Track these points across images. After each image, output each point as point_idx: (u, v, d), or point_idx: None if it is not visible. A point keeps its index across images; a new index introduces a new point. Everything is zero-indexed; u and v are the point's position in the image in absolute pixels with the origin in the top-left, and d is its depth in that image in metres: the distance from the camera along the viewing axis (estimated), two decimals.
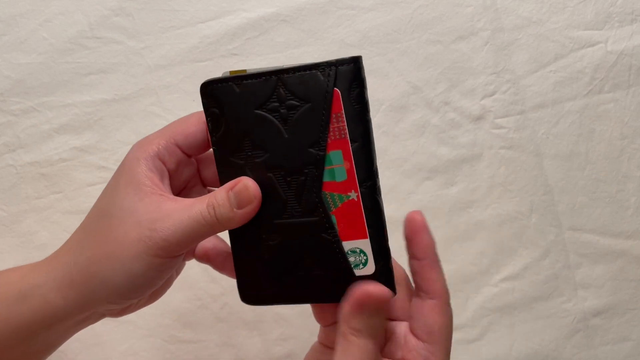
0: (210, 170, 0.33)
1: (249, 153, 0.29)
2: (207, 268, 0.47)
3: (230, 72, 0.30)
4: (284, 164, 0.29)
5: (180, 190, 0.33)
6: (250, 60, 0.49)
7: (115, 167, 0.47)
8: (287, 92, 0.28)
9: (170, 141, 0.30)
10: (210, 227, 0.28)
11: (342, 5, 0.50)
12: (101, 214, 0.29)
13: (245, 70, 0.29)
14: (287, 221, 0.29)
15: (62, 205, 0.46)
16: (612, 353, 0.51)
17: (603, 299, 0.51)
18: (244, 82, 0.29)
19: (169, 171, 0.31)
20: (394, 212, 0.49)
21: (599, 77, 0.52)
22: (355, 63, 0.29)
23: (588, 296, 0.51)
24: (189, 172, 0.33)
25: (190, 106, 0.48)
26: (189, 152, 0.31)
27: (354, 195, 0.30)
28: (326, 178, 0.29)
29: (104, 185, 0.47)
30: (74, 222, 0.45)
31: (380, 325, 0.29)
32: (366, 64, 0.50)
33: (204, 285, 0.47)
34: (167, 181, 0.30)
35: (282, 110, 0.29)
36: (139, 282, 0.28)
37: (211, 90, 0.30)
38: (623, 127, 0.52)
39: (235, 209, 0.28)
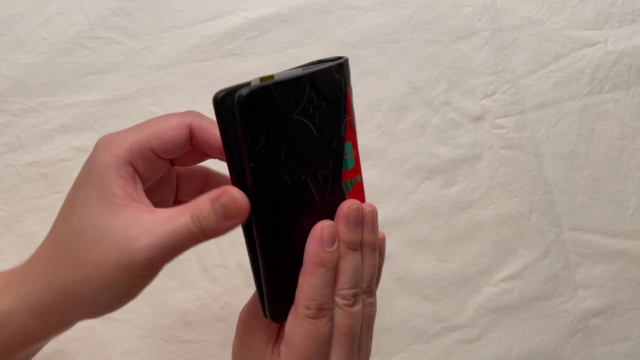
0: (188, 170, 0.33)
1: (288, 161, 0.27)
2: (207, 268, 0.47)
3: (261, 78, 0.27)
4: (316, 163, 0.29)
5: (154, 187, 0.32)
6: (251, 60, 0.49)
7: None
8: (316, 93, 0.28)
9: (145, 145, 0.28)
10: (195, 240, 0.26)
11: (342, 5, 0.50)
12: (73, 233, 0.27)
13: (272, 76, 0.28)
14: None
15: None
16: (612, 353, 0.51)
17: (603, 299, 0.51)
18: (282, 87, 0.27)
19: (140, 175, 0.29)
20: (393, 212, 0.50)
21: (599, 77, 0.52)
22: (347, 61, 0.30)
23: (588, 296, 0.51)
24: (162, 172, 0.31)
25: (191, 106, 0.47)
26: (165, 157, 0.29)
27: (359, 178, 0.33)
28: (343, 168, 0.31)
29: None
30: None
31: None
32: (366, 64, 0.51)
33: (204, 285, 0.47)
34: (140, 187, 0.28)
35: (312, 112, 0.28)
36: (121, 300, 0.28)
37: (251, 102, 0.25)
38: (623, 127, 0.52)
39: (222, 221, 0.26)
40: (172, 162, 0.32)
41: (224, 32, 0.48)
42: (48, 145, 0.46)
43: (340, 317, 0.31)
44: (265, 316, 0.31)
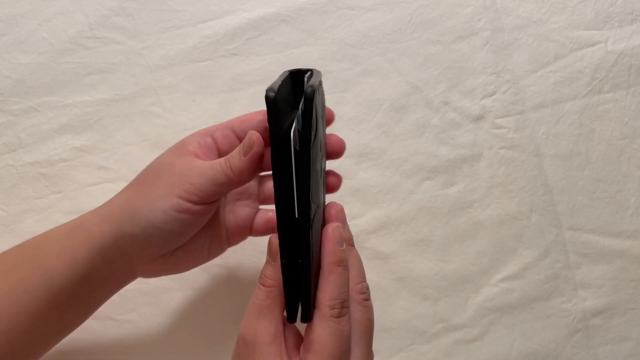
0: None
1: (318, 150, 0.30)
2: (207, 268, 0.47)
3: (290, 71, 0.31)
4: (321, 158, 0.32)
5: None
6: (251, 60, 0.49)
7: (116, 167, 0.47)
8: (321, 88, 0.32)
9: (227, 126, 0.36)
10: (226, 176, 0.32)
11: (342, 5, 0.50)
12: (153, 166, 0.36)
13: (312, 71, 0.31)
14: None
15: (62, 205, 0.46)
16: (612, 353, 0.51)
17: (603, 298, 0.51)
18: (320, 86, 0.30)
19: (220, 152, 0.36)
20: (393, 212, 0.50)
21: (599, 77, 0.52)
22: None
23: (588, 296, 0.51)
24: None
25: (191, 106, 0.48)
26: (241, 138, 0.36)
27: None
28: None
29: (104, 185, 0.47)
30: None
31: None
32: (366, 64, 0.51)
33: (204, 285, 0.47)
34: (215, 157, 0.35)
35: (320, 108, 0.31)
36: (163, 218, 0.32)
37: (311, 94, 0.28)
38: (623, 127, 0.52)
39: (242, 157, 0.32)
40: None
41: (224, 32, 0.48)
42: (48, 145, 0.47)
43: (360, 312, 0.32)
44: (290, 320, 0.31)
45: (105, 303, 0.42)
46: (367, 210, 0.49)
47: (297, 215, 0.29)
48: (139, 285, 0.46)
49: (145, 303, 0.46)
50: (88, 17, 0.47)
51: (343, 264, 0.32)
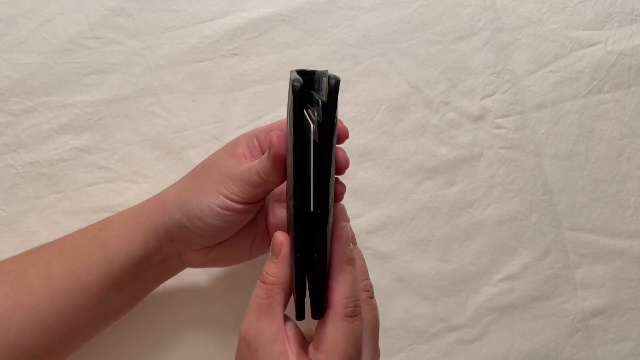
0: None
1: (334, 149, 0.31)
2: (206, 268, 0.47)
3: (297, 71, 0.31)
4: (333, 158, 0.32)
5: None
6: (250, 60, 0.49)
7: (116, 167, 0.47)
8: None
9: (267, 129, 0.39)
10: (259, 177, 0.34)
11: (342, 5, 0.50)
12: (203, 163, 0.39)
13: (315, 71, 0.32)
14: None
15: (62, 205, 0.46)
16: (611, 353, 0.51)
17: (603, 298, 0.51)
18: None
19: (263, 153, 0.37)
20: (393, 212, 0.50)
21: (598, 77, 0.52)
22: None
23: (588, 296, 0.51)
24: None
25: (191, 106, 0.48)
26: None
27: None
28: None
29: (104, 185, 0.47)
30: (74, 222, 0.46)
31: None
32: (366, 64, 0.51)
33: (204, 285, 0.47)
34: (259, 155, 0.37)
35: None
36: (208, 212, 0.35)
37: (337, 85, 0.28)
38: (623, 127, 0.52)
39: (269, 158, 0.33)
40: None
41: (224, 32, 0.48)
42: (48, 145, 0.47)
43: (366, 311, 0.32)
44: (299, 317, 0.31)
45: None
46: (367, 210, 0.49)
47: (312, 209, 0.29)
48: None
49: (145, 302, 0.46)
50: (88, 17, 0.47)
51: (353, 262, 0.32)
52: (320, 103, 0.28)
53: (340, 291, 0.31)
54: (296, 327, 0.33)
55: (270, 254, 0.33)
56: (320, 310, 0.31)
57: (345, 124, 0.49)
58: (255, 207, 0.37)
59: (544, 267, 0.50)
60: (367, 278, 0.34)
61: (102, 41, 0.47)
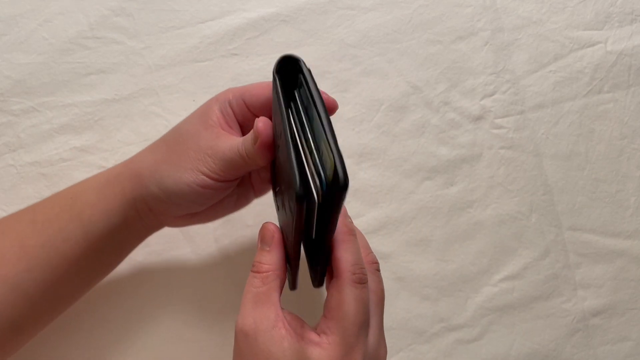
0: None
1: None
2: (207, 268, 0.47)
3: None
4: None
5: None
6: (250, 60, 0.49)
7: None
8: None
9: (239, 96, 0.35)
10: (242, 159, 0.33)
11: (342, 5, 0.50)
12: (176, 132, 0.36)
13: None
14: None
15: None
16: (611, 353, 0.51)
17: (603, 298, 0.51)
18: None
19: (238, 122, 0.36)
20: (393, 212, 0.50)
21: (598, 77, 0.52)
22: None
23: (588, 296, 0.51)
24: (249, 126, 0.36)
25: (191, 106, 0.48)
26: (254, 111, 0.36)
27: None
28: None
29: None
30: None
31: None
32: (366, 64, 0.51)
33: (204, 285, 0.47)
34: (236, 128, 0.36)
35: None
36: (187, 193, 0.34)
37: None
38: (623, 127, 0.52)
39: (253, 145, 0.32)
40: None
41: (224, 32, 0.48)
42: (48, 145, 0.47)
43: (374, 282, 0.33)
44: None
45: (104, 302, 0.44)
46: (367, 210, 0.49)
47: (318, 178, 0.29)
48: (136, 286, 0.46)
49: (145, 304, 0.46)
50: (88, 17, 0.47)
51: (353, 233, 0.33)
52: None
53: (346, 259, 0.31)
54: (292, 313, 0.32)
55: (259, 244, 0.34)
56: (315, 281, 0.33)
57: (345, 123, 0.49)
58: (236, 181, 0.37)
59: (544, 267, 0.50)
60: (371, 252, 0.35)
61: (102, 41, 0.47)
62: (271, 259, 0.32)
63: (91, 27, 0.47)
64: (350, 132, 0.49)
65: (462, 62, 0.51)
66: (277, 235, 0.33)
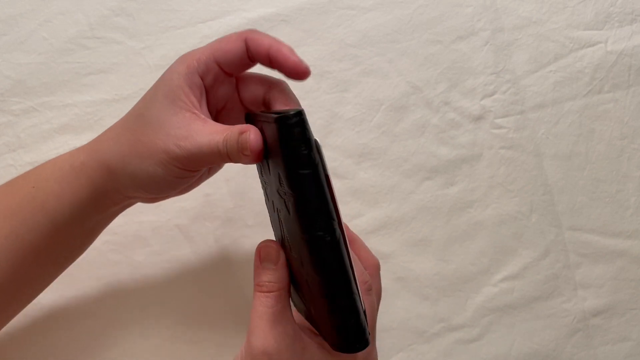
0: (249, 90, 0.35)
1: None
2: (207, 268, 0.47)
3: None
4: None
5: (220, 109, 0.36)
6: None
7: None
8: None
9: (210, 57, 0.32)
10: (222, 158, 0.30)
11: (342, 5, 0.50)
12: (140, 117, 0.33)
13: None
14: None
15: None
16: (612, 353, 0.51)
17: (603, 298, 0.51)
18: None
19: (206, 88, 0.33)
20: (393, 212, 0.50)
21: (598, 77, 0.52)
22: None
23: (588, 296, 0.51)
24: (227, 91, 0.34)
25: None
26: (228, 70, 0.33)
27: None
28: None
29: None
30: None
31: (273, 279, 0.32)
32: (366, 64, 0.51)
33: (204, 285, 0.47)
34: (204, 99, 0.33)
35: None
36: (161, 184, 0.33)
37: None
38: (623, 127, 0.52)
39: (239, 152, 0.30)
40: (239, 92, 0.35)
41: (224, 32, 0.48)
42: (48, 145, 0.47)
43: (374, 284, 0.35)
44: (338, 349, 0.30)
45: (104, 302, 0.44)
46: (367, 210, 0.49)
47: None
48: (136, 286, 0.46)
49: (144, 304, 0.46)
50: (88, 17, 0.47)
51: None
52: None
53: (355, 270, 0.31)
54: (305, 320, 0.34)
55: (262, 263, 0.32)
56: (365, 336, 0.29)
57: (345, 124, 0.49)
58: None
59: (544, 267, 0.50)
60: (372, 254, 0.37)
61: (102, 41, 0.47)
62: (279, 277, 0.32)
63: (91, 27, 0.47)
64: (350, 132, 0.49)
65: (462, 62, 0.51)
66: (282, 253, 0.32)
